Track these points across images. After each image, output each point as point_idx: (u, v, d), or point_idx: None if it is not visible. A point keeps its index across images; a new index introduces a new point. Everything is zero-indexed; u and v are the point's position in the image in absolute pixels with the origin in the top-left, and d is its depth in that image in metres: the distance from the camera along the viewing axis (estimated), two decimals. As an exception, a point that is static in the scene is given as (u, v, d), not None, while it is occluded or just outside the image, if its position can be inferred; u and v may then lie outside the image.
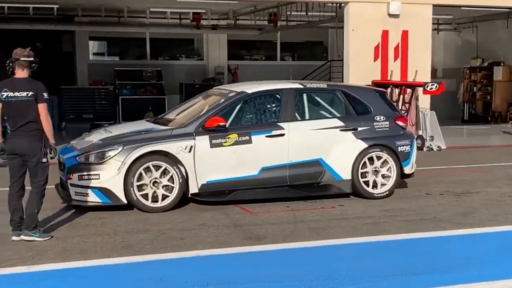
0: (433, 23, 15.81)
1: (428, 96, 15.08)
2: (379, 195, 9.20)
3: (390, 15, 14.55)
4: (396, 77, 14.57)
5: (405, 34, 14.71)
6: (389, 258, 6.51)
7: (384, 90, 10.31)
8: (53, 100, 19.77)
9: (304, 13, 18.30)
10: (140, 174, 8.16)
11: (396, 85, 12.12)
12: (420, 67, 14.80)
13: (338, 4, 16.49)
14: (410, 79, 14.66)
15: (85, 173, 8.13)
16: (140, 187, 8.18)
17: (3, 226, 7.51)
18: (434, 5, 15.02)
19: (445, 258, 6.45)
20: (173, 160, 8.30)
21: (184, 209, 8.44)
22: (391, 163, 9.26)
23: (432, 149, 14.72)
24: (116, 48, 24.07)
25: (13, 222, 6.98)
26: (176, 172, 8.27)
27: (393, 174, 9.28)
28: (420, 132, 14.90)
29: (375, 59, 14.55)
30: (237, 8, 20.11)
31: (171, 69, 22.00)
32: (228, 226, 7.63)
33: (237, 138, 8.63)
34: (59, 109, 19.50)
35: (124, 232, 7.30)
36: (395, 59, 14.67)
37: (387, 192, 9.27)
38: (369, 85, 12.79)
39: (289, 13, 18.98)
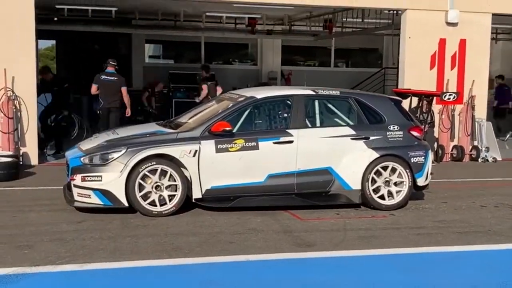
0: (491, 32, 15.48)
1: (485, 107, 14.82)
2: (389, 206, 8.92)
3: (448, 23, 14.30)
4: (452, 86, 14.31)
5: (462, 43, 14.45)
6: (440, 270, 6.39)
7: (400, 99, 9.98)
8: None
9: (360, 20, 18.17)
10: (143, 177, 8.09)
11: (415, 94, 11.87)
12: (477, 77, 14.52)
13: (395, 11, 16.33)
14: (466, 88, 14.40)
15: (88, 175, 8.09)
16: (144, 194, 8.11)
17: (56, 224, 7.67)
18: (493, 14, 14.72)
19: (499, 273, 6.29)
20: (177, 164, 8.22)
21: (234, 213, 8.44)
22: (403, 174, 8.97)
23: (487, 160, 14.44)
24: (171, 52, 24.36)
25: None
26: (180, 176, 8.18)
27: (405, 186, 8.98)
28: (476, 143, 14.64)
29: (431, 67, 14.33)
30: (293, 14, 20.11)
31: (224, 73, 22.11)
32: (278, 232, 7.60)
33: (244, 143, 8.48)
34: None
35: (175, 234, 7.35)
36: (452, 68, 14.42)
37: (398, 204, 8.97)
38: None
39: (345, 19, 18.89)
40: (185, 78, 20.79)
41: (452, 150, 14.57)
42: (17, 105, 11.83)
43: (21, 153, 11.89)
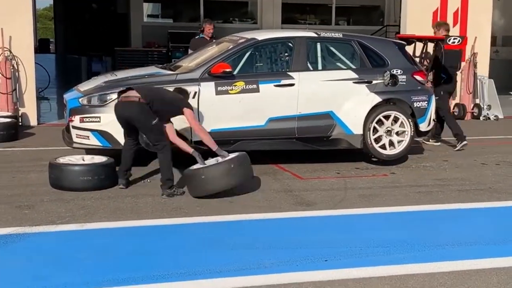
0: (495, -12, 15.31)
1: (487, 64, 14.69)
2: (390, 156, 8.90)
3: (451, -20, 14.12)
4: (454, 43, 14.17)
5: (465, -1, 14.28)
6: (441, 227, 6.39)
7: (404, 43, 9.82)
8: (107, 61, 20.05)
9: (361, -23, 17.93)
10: None
11: (419, 39, 11.69)
12: (480, 33, 14.36)
13: (396, -32, 16.10)
14: (468, 45, 14.23)
15: (86, 116, 8.04)
16: None
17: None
18: (496, -31, 14.53)
19: (499, 229, 6.31)
20: None
21: (234, 172, 8.42)
22: (406, 123, 8.86)
23: (489, 118, 14.37)
24: (170, 10, 24.10)
25: None
26: None
27: (407, 131, 8.89)
28: (477, 101, 14.56)
29: (433, 24, 14.15)
30: (293, -29, 19.84)
31: (224, 32, 21.84)
32: (279, 191, 7.59)
33: (244, 86, 8.37)
34: (112, 69, 19.68)
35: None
36: (454, 24, 14.24)
37: (399, 154, 8.93)
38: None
39: (346, -24, 18.64)
40: (184, 37, 20.59)
41: (453, 108, 14.46)
42: (15, 65, 11.73)
43: (20, 114, 11.83)
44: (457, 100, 14.51)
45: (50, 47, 40.22)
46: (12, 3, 11.67)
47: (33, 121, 12.07)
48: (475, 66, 14.37)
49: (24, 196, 7.10)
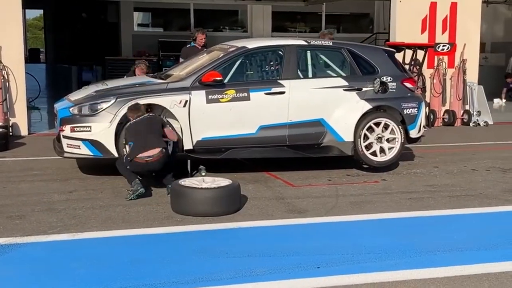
0: (482, -5, 15.41)
1: (476, 70, 14.79)
2: (380, 163, 8.94)
3: (439, -13, 14.21)
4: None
5: (453, 6, 14.36)
6: (432, 233, 6.40)
7: (393, 50, 9.90)
8: (97, 71, 20.03)
9: (350, -16, 18.02)
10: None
11: (409, 46, 11.75)
12: (469, 40, 14.47)
13: (385, -25, 16.18)
14: (458, 52, 14.33)
15: (77, 125, 8.05)
16: None
17: (47, 194, 7.64)
18: (484, -23, 14.64)
19: (490, 235, 6.32)
20: (167, 115, 8.16)
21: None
22: (396, 130, 8.90)
23: (479, 124, 14.46)
24: (160, 19, 24.16)
25: None
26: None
27: (398, 138, 8.93)
28: (467, 107, 14.64)
29: (423, 31, 14.25)
30: (282, -21, 19.92)
31: (214, 40, 21.78)
32: (270, 198, 7.60)
33: (235, 94, 8.40)
34: (103, 79, 19.66)
35: (167, 202, 7.30)
36: (443, 31, 14.34)
37: (390, 160, 8.98)
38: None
39: (335, -16, 18.72)
40: (174, 46, 20.60)
41: (443, 115, 14.57)
42: (5, 75, 11.71)
43: (10, 124, 11.79)
44: (447, 107, 14.59)
45: (41, 56, 40.14)
46: (1, 13, 11.66)
47: (23, 131, 12.03)
48: (464, 72, 14.47)
49: (15, 206, 7.08)
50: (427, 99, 14.13)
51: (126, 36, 22.21)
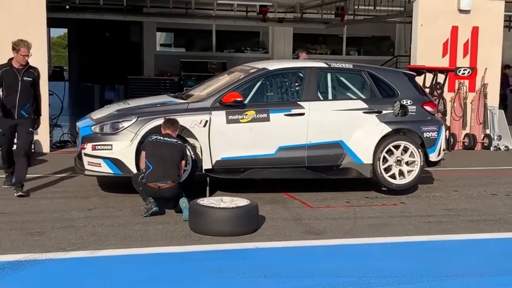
0: (504, 20, 15.35)
1: (497, 95, 14.71)
2: (399, 186, 8.90)
3: (461, 11, 14.18)
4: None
5: (475, 30, 14.34)
6: (451, 258, 6.37)
7: (414, 73, 9.88)
8: (119, 89, 20.22)
9: (372, 7, 18.07)
10: None
11: (429, 70, 11.70)
12: (490, 65, 14.40)
13: (407, -1, 16.21)
14: (479, 76, 14.28)
15: (98, 143, 8.13)
16: None
17: (67, 211, 7.71)
18: (506, 1, 14.58)
19: (509, 260, 6.27)
20: (187, 135, 8.20)
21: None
22: (415, 153, 8.87)
23: (499, 148, 14.35)
24: (183, 40, 24.37)
25: None
26: (189, 148, 8.15)
27: (417, 161, 8.89)
28: (488, 131, 14.56)
29: (444, 55, 14.23)
30: (304, 1, 20.02)
31: (236, 61, 22.00)
32: (288, 219, 7.60)
33: (255, 115, 8.44)
34: (125, 98, 19.84)
35: (185, 221, 7.35)
36: (464, 55, 14.31)
37: (409, 184, 8.93)
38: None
39: (357, 7, 18.77)
40: (196, 66, 20.80)
41: (464, 139, 14.50)
42: (29, 93, 11.82)
43: (33, 141, 11.90)
44: (467, 130, 14.52)
45: (64, 74, 40.57)
46: (27, 31, 11.82)
47: (45, 148, 12.16)
48: (485, 97, 14.39)
49: (35, 222, 7.15)
50: (448, 123, 14.09)
51: (149, 56, 22.43)
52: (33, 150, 11.55)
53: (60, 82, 14.73)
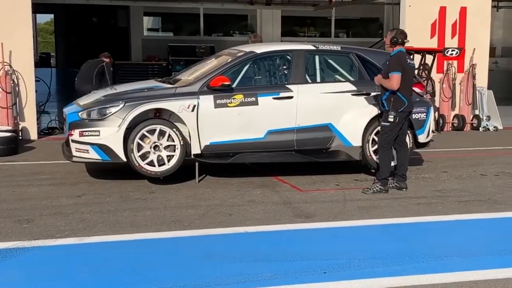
0: (492, 0, 15.33)
1: (486, 75, 14.74)
2: None
3: (448, -9, 14.18)
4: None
5: (463, 11, 14.33)
6: (441, 239, 6.39)
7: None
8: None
9: (360, -11, 18.00)
10: (141, 137, 8.03)
11: (417, 51, 11.66)
12: (478, 45, 14.42)
13: (394, -20, 16.17)
14: (467, 57, 14.30)
15: (86, 129, 8.06)
16: (143, 156, 8.08)
17: (56, 198, 7.67)
18: (494, -19, 14.59)
19: (499, 241, 6.29)
20: (175, 120, 8.18)
21: (232, 185, 8.44)
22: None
23: (488, 129, 14.40)
24: (170, 24, 24.20)
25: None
26: (177, 133, 8.13)
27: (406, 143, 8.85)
28: (477, 112, 14.59)
29: (432, 36, 14.22)
30: (292, -16, 19.93)
31: (224, 45, 21.82)
32: (277, 203, 7.59)
33: (243, 99, 8.40)
34: (113, 83, 19.69)
35: (174, 206, 7.34)
36: (453, 36, 14.30)
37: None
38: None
39: (345, -12, 18.71)
40: (184, 50, 20.66)
41: (453, 120, 14.53)
42: (15, 79, 11.78)
43: (20, 128, 11.86)
44: (456, 111, 14.54)
45: (51, 61, 40.33)
46: (12, 17, 11.73)
47: (33, 135, 12.10)
48: (474, 77, 14.42)
49: (23, 210, 7.11)
50: (437, 104, 14.10)
51: (136, 40, 22.27)
52: (20, 137, 11.51)
53: (47, 68, 14.57)
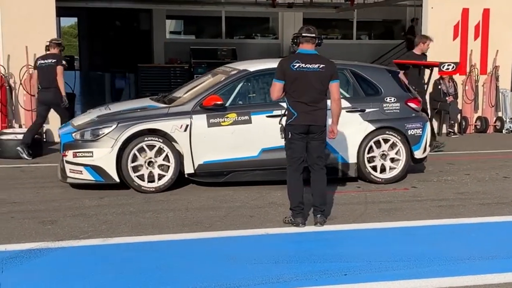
0: (516, 1, 15.22)
1: (509, 77, 14.62)
2: (385, 180, 8.79)
3: (471, -7, 14.10)
4: (476, 57, 14.16)
5: (486, 12, 14.24)
6: (462, 241, 6.37)
7: (398, 70, 9.75)
8: (130, 78, 20.26)
9: (382, -9, 17.97)
10: (134, 154, 8.08)
11: (414, 65, 11.61)
12: (502, 47, 14.31)
13: (417, -18, 16.11)
14: (490, 58, 14.21)
15: (79, 150, 8.08)
16: (135, 168, 8.12)
17: (79, 199, 7.76)
18: (517, -18, 14.47)
19: (521, 244, 6.25)
20: (169, 139, 8.17)
21: (254, 187, 8.46)
22: (400, 146, 8.81)
23: (511, 131, 14.27)
24: (192, 27, 24.33)
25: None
26: (172, 152, 8.14)
27: (402, 159, 8.83)
28: (500, 114, 14.48)
29: (454, 38, 14.15)
30: (314, -14, 19.94)
31: (246, 47, 22.02)
32: (299, 205, 7.58)
33: (236, 117, 8.36)
34: (135, 86, 19.86)
35: (196, 208, 7.39)
36: (475, 38, 14.22)
37: (394, 178, 8.84)
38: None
39: (366, -10, 18.68)
40: (206, 53, 20.76)
41: (476, 122, 14.44)
42: (39, 82, 11.88)
43: (44, 130, 11.99)
44: (479, 113, 14.45)
45: (75, 64, 40.65)
46: (36, 21, 11.87)
47: (57, 137, 12.18)
48: (497, 79, 14.32)
49: (47, 211, 7.20)
50: (459, 106, 14.02)
51: (159, 43, 22.43)
52: (44, 139, 11.65)
53: (71, 71, 14.73)
